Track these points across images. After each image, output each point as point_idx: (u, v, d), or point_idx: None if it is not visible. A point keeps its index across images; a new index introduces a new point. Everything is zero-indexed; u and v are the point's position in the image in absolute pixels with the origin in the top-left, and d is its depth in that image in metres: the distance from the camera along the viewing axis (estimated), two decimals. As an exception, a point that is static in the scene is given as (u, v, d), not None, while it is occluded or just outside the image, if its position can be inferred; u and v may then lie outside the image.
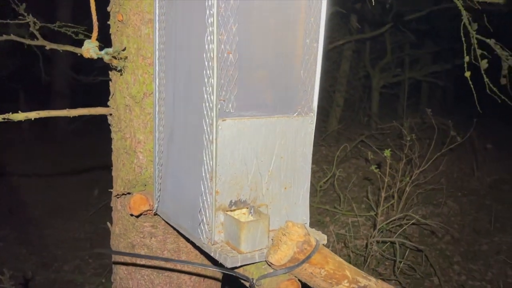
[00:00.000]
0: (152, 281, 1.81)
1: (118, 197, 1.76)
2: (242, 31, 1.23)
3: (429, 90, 10.67)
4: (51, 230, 5.87)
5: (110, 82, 1.74)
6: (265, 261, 1.26)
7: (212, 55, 1.18)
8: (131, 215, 1.64)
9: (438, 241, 5.35)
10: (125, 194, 1.70)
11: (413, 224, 5.12)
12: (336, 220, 5.54)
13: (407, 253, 4.77)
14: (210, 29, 1.19)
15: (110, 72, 1.74)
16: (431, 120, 5.33)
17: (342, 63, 8.42)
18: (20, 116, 1.50)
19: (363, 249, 4.84)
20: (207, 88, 1.21)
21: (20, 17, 2.13)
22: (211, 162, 1.25)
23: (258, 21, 1.27)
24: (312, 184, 6.22)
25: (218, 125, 1.23)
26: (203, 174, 1.29)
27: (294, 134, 1.40)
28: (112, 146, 1.78)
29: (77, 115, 1.67)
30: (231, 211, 1.32)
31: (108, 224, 1.90)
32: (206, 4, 1.19)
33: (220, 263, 1.26)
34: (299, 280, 1.27)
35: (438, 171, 5.90)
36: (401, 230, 4.69)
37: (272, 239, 1.26)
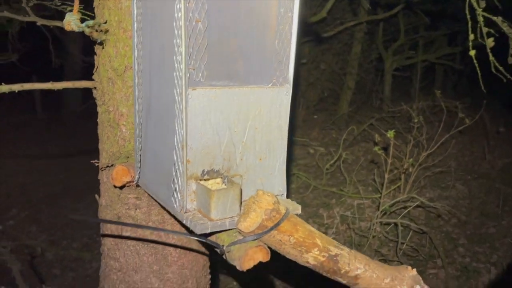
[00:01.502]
0: (138, 252, 1.85)
1: (102, 170, 1.79)
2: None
3: (443, 73, 10.48)
4: (61, 210, 6.00)
5: (95, 56, 1.76)
6: (236, 228, 1.27)
7: (180, 23, 1.18)
8: (115, 186, 1.67)
9: (444, 224, 5.33)
10: (109, 166, 1.74)
11: (419, 207, 5.11)
12: (342, 203, 5.55)
13: (410, 234, 4.76)
14: (179, -3, 1.19)
15: (95, 46, 1.75)
16: (441, 103, 5.26)
17: (354, 45, 8.30)
18: (3, 88, 1.53)
19: (367, 231, 4.85)
20: (177, 57, 1.22)
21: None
22: (182, 131, 1.26)
23: (230, -10, 1.27)
24: (318, 167, 6.23)
25: (188, 94, 1.24)
26: (175, 144, 1.30)
27: (269, 105, 1.40)
28: (98, 120, 1.81)
29: (61, 88, 1.70)
30: (204, 180, 1.34)
31: (96, 196, 1.94)
32: (175, -28, 1.20)
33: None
34: (268, 247, 1.29)
35: (447, 154, 5.84)
36: (405, 212, 4.68)
37: (243, 208, 1.28)
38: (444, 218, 5.36)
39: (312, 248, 1.30)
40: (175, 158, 1.31)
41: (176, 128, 1.29)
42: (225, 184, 1.36)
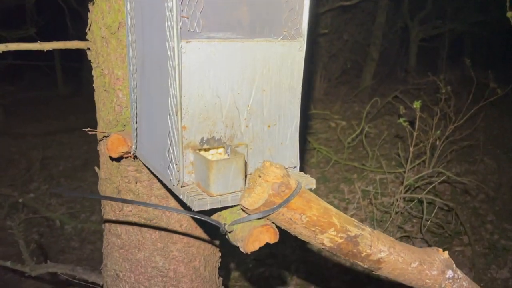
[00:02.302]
0: (140, 228, 1.71)
1: (100, 140, 1.64)
2: None
3: (472, 43, 9.95)
4: (80, 183, 5.99)
5: (88, 13, 1.58)
6: (239, 205, 1.11)
7: (170, -39, 0.99)
8: (111, 158, 1.52)
9: (471, 199, 5.10)
10: (106, 136, 1.58)
11: (445, 182, 4.88)
12: (364, 177, 5.36)
13: (435, 211, 4.56)
14: None
15: (89, 3, 1.58)
16: (471, 73, 4.95)
17: (378, 14, 7.90)
18: (-15, 48, 1.38)
19: (390, 206, 4.67)
20: (167, 3, 1.03)
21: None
22: (175, 93, 1.08)
23: None
24: (340, 141, 6.02)
25: (181, 48, 1.05)
26: (170, 108, 1.13)
27: (279, 62, 1.20)
28: (94, 85, 1.65)
29: (51, 49, 1.54)
30: (203, 150, 1.17)
31: (96, 168, 1.80)
32: None
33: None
34: (277, 227, 1.12)
35: (475, 127, 5.55)
36: (430, 187, 4.47)
37: (248, 181, 1.10)
38: (471, 193, 5.13)
39: (328, 228, 1.12)
40: (169, 124, 1.14)
41: (170, 89, 1.11)
42: (228, 155, 1.18)
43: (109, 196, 1.53)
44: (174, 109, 1.11)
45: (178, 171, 1.14)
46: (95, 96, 1.67)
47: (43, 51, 1.54)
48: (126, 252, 1.76)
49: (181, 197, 1.14)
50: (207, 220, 1.10)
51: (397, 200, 4.46)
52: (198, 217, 1.10)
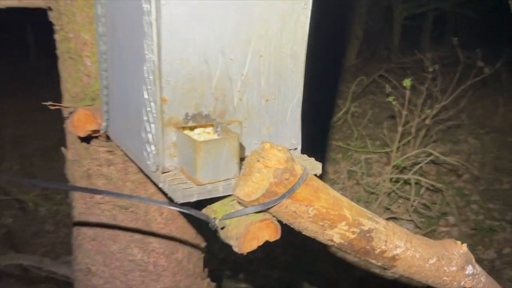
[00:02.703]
0: (115, 217, 1.50)
1: (66, 117, 1.41)
2: None
3: (455, 22, 9.84)
4: (55, 163, 5.68)
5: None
6: (233, 195, 0.91)
7: None
8: (79, 137, 1.30)
9: (456, 179, 5.05)
10: (72, 112, 1.35)
11: (430, 162, 4.80)
12: (349, 157, 5.23)
13: (422, 191, 4.48)
14: None
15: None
16: (456, 53, 4.83)
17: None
18: None
19: (375, 187, 4.57)
20: None
21: None
22: (153, 57, 0.87)
23: None
24: (324, 121, 5.86)
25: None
26: (146, 75, 0.91)
27: (280, 22, 0.99)
28: (57, 51, 1.40)
29: (5, 7, 1.29)
30: (188, 128, 0.96)
31: (63, 149, 1.57)
32: None
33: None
34: (278, 221, 0.92)
35: (461, 107, 5.47)
36: (417, 167, 4.38)
37: (243, 167, 0.90)
38: (456, 173, 5.07)
39: (338, 221, 0.94)
40: (145, 95, 0.93)
41: (146, 52, 0.89)
42: (218, 134, 0.98)
43: (71, 185, 1.30)
44: (151, 77, 0.89)
45: (157, 153, 0.93)
46: (59, 65, 1.43)
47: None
48: (99, 244, 1.55)
49: (160, 185, 0.94)
50: (193, 214, 0.90)
51: (384, 180, 4.35)
52: (181, 210, 0.90)
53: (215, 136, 0.97)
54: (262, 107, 1.03)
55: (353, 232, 0.96)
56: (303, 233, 0.95)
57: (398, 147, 4.57)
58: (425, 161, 4.50)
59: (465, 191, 4.86)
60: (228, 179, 0.93)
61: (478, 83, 4.82)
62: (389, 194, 4.41)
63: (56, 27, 1.37)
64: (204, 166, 0.88)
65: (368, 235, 0.98)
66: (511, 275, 3.81)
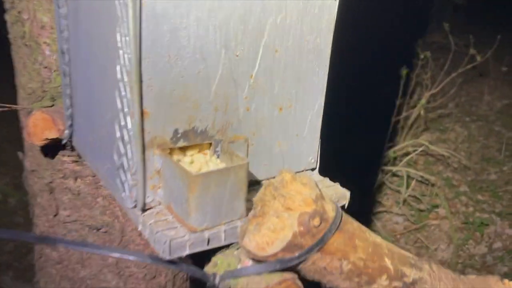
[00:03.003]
0: (84, 239, 1.24)
1: (26, 121, 1.13)
2: None
3: (439, 9, 9.67)
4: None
5: None
6: (239, 245, 0.67)
7: None
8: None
9: (444, 169, 4.92)
10: (29, 113, 1.07)
11: (423, 152, 4.66)
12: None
13: (413, 183, 4.34)
14: None
15: None
16: (443, 40, 4.67)
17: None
18: None
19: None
20: None
21: None
22: (129, 52, 0.60)
23: None
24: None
25: (138, -32, 0.57)
26: (119, 77, 0.65)
27: (301, 6, 0.74)
28: (9, 35, 1.12)
29: None
30: (178, 150, 0.71)
31: (20, 154, 1.30)
32: None
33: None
34: (301, 277, 0.69)
35: (450, 94, 5.33)
36: (407, 158, 4.23)
37: (254, 205, 0.66)
38: (443, 163, 4.95)
39: (378, 275, 0.71)
40: (119, 105, 0.67)
41: (119, 45, 0.63)
42: (218, 156, 0.73)
43: (13, 231, 0.96)
44: (126, 80, 0.63)
45: (134, 185, 0.68)
46: (12, 53, 1.14)
47: None
48: (65, 269, 1.29)
49: (140, 228, 0.69)
50: (184, 270, 0.65)
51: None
52: (170, 267, 0.65)
53: (214, 160, 0.72)
54: (274, 119, 0.78)
55: (395, 287, 0.73)
56: (331, 290, 0.72)
57: (389, 139, 4.41)
58: (416, 152, 4.37)
59: (454, 182, 4.75)
60: (231, 221, 0.68)
61: (466, 69, 4.68)
62: (379, 186, 4.26)
63: (6, 5, 1.08)
64: (201, 206, 0.63)
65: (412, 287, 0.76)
66: (503, 270, 3.71)
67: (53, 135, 0.98)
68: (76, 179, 1.16)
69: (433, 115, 5.26)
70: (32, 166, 1.21)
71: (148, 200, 0.69)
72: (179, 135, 0.69)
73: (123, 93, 0.66)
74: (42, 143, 1.00)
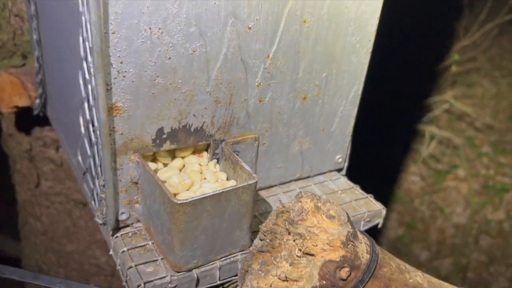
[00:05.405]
0: (70, 213, 1.10)
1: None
2: None
3: None
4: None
5: None
6: (240, 286, 0.50)
7: None
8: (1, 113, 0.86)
9: (466, 127, 4.67)
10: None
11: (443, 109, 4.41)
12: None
13: (432, 142, 4.13)
14: None
15: None
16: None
17: None
18: None
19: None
20: None
21: None
22: (92, 23, 0.41)
23: None
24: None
25: None
26: (82, 53, 0.46)
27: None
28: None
29: None
30: (161, 156, 0.53)
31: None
32: None
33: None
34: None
35: (484, 47, 4.95)
36: (430, 115, 4.00)
37: (260, 235, 0.49)
38: (466, 120, 4.70)
39: (416, 328, 0.55)
40: (83, 93, 0.48)
41: (81, 8, 0.43)
42: (218, 161, 0.55)
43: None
44: (90, 61, 0.44)
45: (104, 197, 0.51)
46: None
47: None
48: (50, 241, 1.17)
49: (110, 252, 0.53)
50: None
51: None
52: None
53: (212, 167, 0.54)
54: (295, 111, 0.59)
55: None
56: None
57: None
58: (439, 110, 4.12)
59: (476, 141, 4.52)
60: (231, 254, 0.51)
61: (504, 21, 4.30)
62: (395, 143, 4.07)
63: None
64: (188, 242, 0.46)
65: (454, 336, 0.60)
66: (519, 238, 3.59)
67: (23, 102, 0.80)
68: (57, 148, 1.00)
69: (460, 69, 4.94)
70: (10, 129, 1.05)
71: (122, 217, 0.52)
72: (164, 136, 0.50)
73: (87, 78, 0.47)
74: (10, 110, 0.82)
